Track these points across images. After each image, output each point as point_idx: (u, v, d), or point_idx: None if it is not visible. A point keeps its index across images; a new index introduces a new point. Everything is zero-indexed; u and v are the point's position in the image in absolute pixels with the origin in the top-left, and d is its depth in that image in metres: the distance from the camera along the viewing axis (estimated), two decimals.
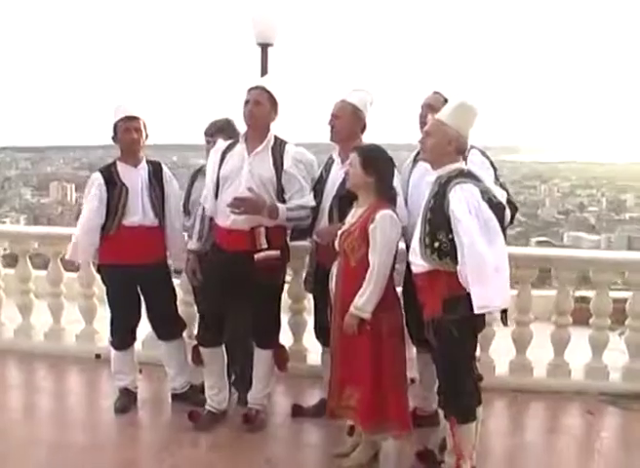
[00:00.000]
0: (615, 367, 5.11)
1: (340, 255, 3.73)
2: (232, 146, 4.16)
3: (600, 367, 5.09)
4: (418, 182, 4.00)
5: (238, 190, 4.00)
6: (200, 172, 4.66)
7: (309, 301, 4.71)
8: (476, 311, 3.22)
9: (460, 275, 3.25)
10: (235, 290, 4.13)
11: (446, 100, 3.89)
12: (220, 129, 4.53)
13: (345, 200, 3.90)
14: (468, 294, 3.22)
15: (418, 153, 4.01)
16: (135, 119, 4.38)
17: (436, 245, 3.33)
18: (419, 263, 3.43)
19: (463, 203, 3.25)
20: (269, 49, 6.79)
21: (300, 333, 5.34)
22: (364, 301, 3.56)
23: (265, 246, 4.03)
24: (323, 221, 4.11)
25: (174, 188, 4.61)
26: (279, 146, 4.12)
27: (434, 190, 3.42)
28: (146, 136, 4.46)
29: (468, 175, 3.40)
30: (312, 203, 4.08)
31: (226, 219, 4.05)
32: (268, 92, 4.07)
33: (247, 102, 4.07)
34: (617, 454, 4.16)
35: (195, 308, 4.76)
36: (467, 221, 3.23)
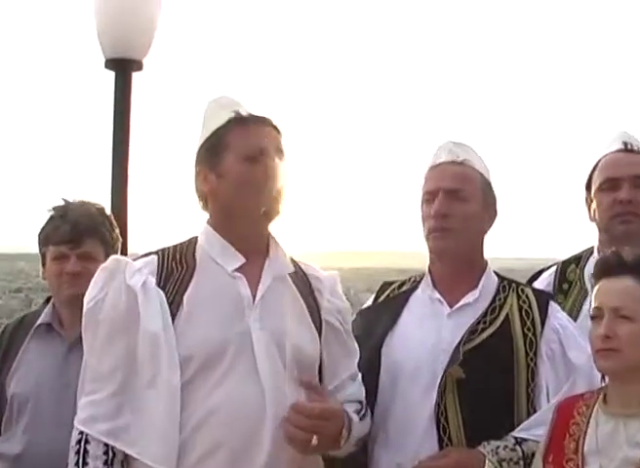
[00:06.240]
0: None
1: None
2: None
3: None
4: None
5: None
6: (22, 327, 2.24)
7: None
8: None
9: None
10: None
11: None
12: (92, 229, 2.19)
13: (473, 381, 1.91)
14: None
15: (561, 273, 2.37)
16: None
17: None
18: None
19: None
20: (134, 73, 3.61)
21: None
22: None
23: None
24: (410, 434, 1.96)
25: None
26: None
27: None
28: None
29: None
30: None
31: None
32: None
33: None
34: None
35: None
36: None
